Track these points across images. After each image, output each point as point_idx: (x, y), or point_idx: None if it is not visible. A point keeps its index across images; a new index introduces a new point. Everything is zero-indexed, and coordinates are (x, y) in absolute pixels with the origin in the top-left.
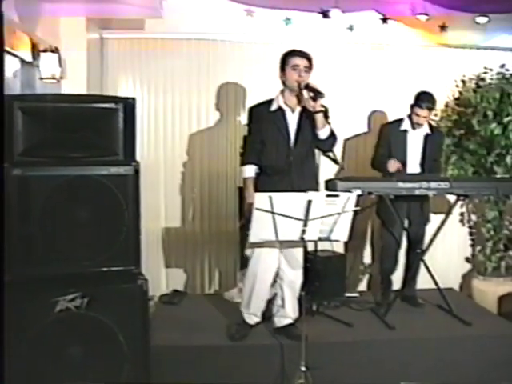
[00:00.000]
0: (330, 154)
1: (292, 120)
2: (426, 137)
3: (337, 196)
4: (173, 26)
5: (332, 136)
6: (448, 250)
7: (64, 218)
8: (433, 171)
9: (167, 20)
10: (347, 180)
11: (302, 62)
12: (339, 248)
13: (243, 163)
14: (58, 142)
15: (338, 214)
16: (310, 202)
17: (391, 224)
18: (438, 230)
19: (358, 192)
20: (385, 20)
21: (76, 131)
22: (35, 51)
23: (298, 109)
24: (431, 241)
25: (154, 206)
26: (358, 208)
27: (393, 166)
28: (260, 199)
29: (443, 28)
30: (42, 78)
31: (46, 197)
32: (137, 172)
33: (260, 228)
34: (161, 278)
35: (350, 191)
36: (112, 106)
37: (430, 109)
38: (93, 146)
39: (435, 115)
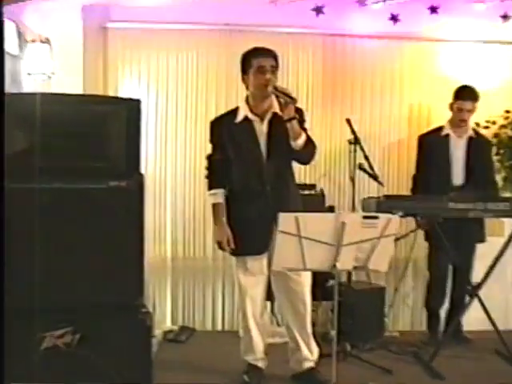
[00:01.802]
0: (366, 166)
1: (262, 131)
2: (470, 140)
3: (376, 218)
4: (188, 14)
5: (309, 145)
6: (507, 285)
7: (53, 240)
8: (486, 187)
9: (181, 7)
10: (388, 199)
11: (268, 62)
12: (378, 279)
13: (210, 187)
14: (46, 150)
15: (377, 239)
16: (344, 224)
17: (440, 251)
18: (496, 259)
19: (401, 214)
20: (434, 9)
21: (69, 137)
22: (22, 42)
23: (268, 117)
24: (488, 273)
25: (159, 226)
26: (398, 233)
27: None
28: (285, 220)
29: (505, 18)
30: (29, 74)
31: (32, 214)
32: (141, 186)
33: (284, 255)
34: (166, 311)
35: (391, 212)
36: (113, 108)
37: (473, 101)
38: (88, 155)
39: (493, 123)
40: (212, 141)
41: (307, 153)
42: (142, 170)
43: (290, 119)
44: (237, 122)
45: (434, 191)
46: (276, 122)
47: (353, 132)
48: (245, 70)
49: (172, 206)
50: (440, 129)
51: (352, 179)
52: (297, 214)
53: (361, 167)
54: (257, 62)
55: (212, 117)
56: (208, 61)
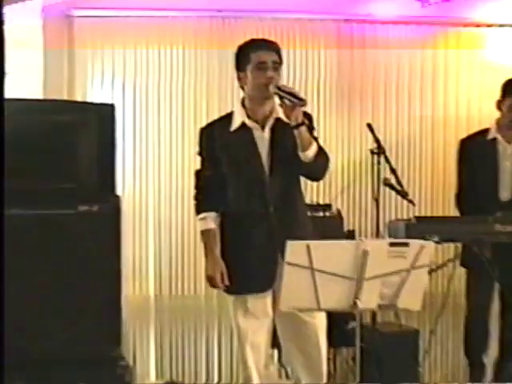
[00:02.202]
0: (393, 181)
1: (263, 141)
2: None
3: (405, 245)
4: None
5: (321, 157)
6: None
7: (11, 280)
8: None
9: None
10: (420, 221)
11: (269, 57)
12: (409, 320)
13: (199, 210)
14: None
15: (408, 270)
16: (366, 253)
17: (482, 277)
18: None
19: (436, 239)
20: None
21: (28, 153)
22: None
23: (270, 123)
24: None
25: (140, 258)
26: (432, 262)
27: None
28: (293, 250)
29: None
30: None
31: None
32: (117, 211)
33: (293, 292)
34: (150, 362)
35: (424, 238)
36: (81, 116)
37: None
38: (53, 175)
39: None
40: (201, 153)
41: (319, 166)
42: (118, 191)
43: (298, 125)
44: (232, 130)
45: (478, 209)
46: (280, 130)
47: (376, 140)
48: (241, 66)
49: (155, 233)
50: (485, 131)
51: (376, 198)
52: (308, 241)
53: (386, 183)
54: (256, 57)
55: (202, 123)
56: (197, 55)
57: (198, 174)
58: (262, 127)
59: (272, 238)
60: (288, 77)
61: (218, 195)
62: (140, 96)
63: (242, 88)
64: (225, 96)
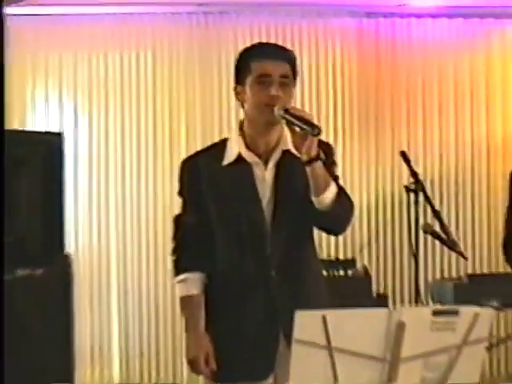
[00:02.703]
0: (437, 227)
1: (265, 180)
2: None
3: (454, 314)
4: None
5: (342, 202)
6: None
7: None
8: None
9: None
10: (473, 281)
11: (276, 68)
12: None
13: (178, 269)
14: None
15: (458, 348)
16: (402, 325)
17: None
18: None
19: (496, 304)
20: None
21: None
22: None
23: (275, 157)
24: None
25: (100, 335)
26: (492, 336)
27: None
28: (305, 322)
29: None
30: None
31: None
32: (67, 275)
33: (305, 377)
34: None
35: (480, 303)
36: (18, 149)
37: None
38: None
39: None
40: (182, 193)
41: (339, 216)
42: (69, 248)
43: (311, 161)
44: (224, 165)
45: None
46: (288, 166)
47: (412, 173)
48: (240, 77)
49: (120, 302)
50: None
51: (414, 251)
52: (325, 310)
53: (427, 230)
54: (259, 68)
55: (181, 153)
56: (172, 63)
57: (177, 220)
58: (265, 162)
59: (273, 309)
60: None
61: (203, 250)
62: (98, 118)
63: (242, 106)
64: (211, 117)
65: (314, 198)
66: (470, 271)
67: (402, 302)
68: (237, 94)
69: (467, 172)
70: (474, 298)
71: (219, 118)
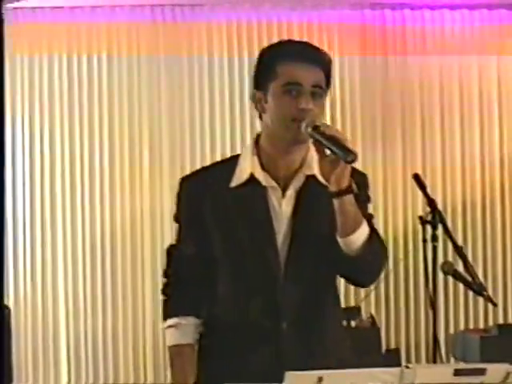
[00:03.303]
0: (460, 268)
1: (281, 210)
2: None
3: (480, 373)
4: None
5: (375, 249)
6: None
7: None
8: None
9: None
10: (504, 333)
11: (308, 75)
12: None
13: (168, 311)
14: None
15: None
16: None
17: None
18: None
19: None
20: None
21: None
22: None
23: (297, 183)
24: None
25: None
26: None
27: None
28: None
29: None
30: None
31: None
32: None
33: None
34: None
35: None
36: None
37: None
38: None
39: None
40: (179, 218)
41: (369, 264)
42: (8, 299)
43: (341, 193)
44: (233, 187)
45: None
46: (311, 195)
47: (429, 200)
48: (261, 82)
49: (71, 365)
50: None
51: (431, 296)
52: (321, 371)
53: (448, 270)
54: (287, 72)
55: (143, 170)
56: (133, 65)
57: (170, 250)
58: (284, 188)
59: (281, 367)
60: None
61: (200, 289)
62: (40, 135)
63: (260, 118)
64: (181, 128)
65: (340, 239)
66: (500, 321)
67: (418, 359)
68: (255, 101)
69: (496, 198)
70: (504, 353)
71: (191, 128)
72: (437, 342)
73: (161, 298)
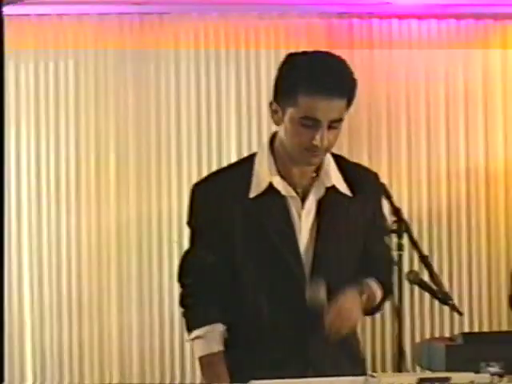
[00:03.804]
0: (426, 277)
1: (300, 221)
2: None
3: (444, 382)
4: None
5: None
6: None
7: None
8: None
9: None
10: (471, 341)
11: (330, 111)
12: None
13: (193, 322)
14: None
15: None
16: None
17: None
18: None
19: (498, 370)
20: None
21: None
22: None
23: (316, 194)
24: None
25: None
26: None
27: None
28: None
29: None
30: None
31: None
32: None
33: None
34: None
35: (477, 370)
36: None
37: None
38: None
39: None
40: (192, 223)
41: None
42: None
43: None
44: (251, 198)
45: None
46: (332, 205)
47: (394, 209)
48: (279, 98)
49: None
50: None
51: (397, 305)
52: (286, 381)
53: (413, 280)
54: (307, 106)
55: (110, 182)
56: (99, 74)
57: (186, 258)
58: (303, 198)
59: (307, 368)
60: (249, 95)
61: (223, 297)
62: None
63: (276, 124)
64: (147, 138)
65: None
66: (466, 330)
67: (384, 368)
68: (272, 111)
69: (461, 207)
70: (470, 362)
71: (157, 140)
72: (402, 351)
73: (179, 309)
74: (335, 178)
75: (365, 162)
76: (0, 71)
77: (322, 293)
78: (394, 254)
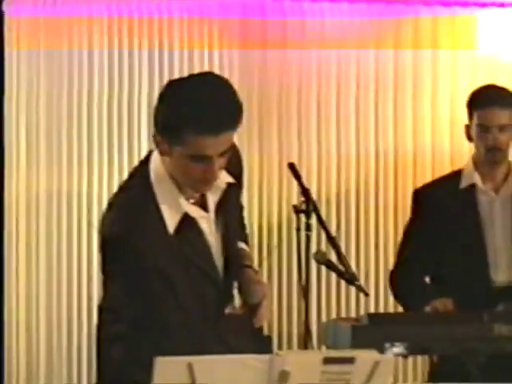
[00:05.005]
0: (333, 257)
1: (212, 230)
2: None
3: (349, 361)
4: None
5: None
6: None
7: None
8: None
9: None
10: (376, 321)
11: (218, 143)
12: None
13: None
14: None
15: None
16: (285, 375)
17: None
18: None
19: (402, 351)
20: None
21: None
22: None
23: (215, 195)
24: None
25: None
26: None
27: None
28: (167, 370)
29: None
30: None
31: None
32: None
33: None
34: None
35: (382, 349)
36: None
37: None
38: None
39: None
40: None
41: None
42: None
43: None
44: (172, 233)
45: (461, 300)
46: (229, 201)
47: (303, 190)
48: (165, 133)
49: None
50: (456, 174)
51: (304, 285)
52: (191, 357)
53: (320, 260)
54: (193, 144)
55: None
56: (21, 64)
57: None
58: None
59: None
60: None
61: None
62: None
63: (163, 155)
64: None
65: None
66: (372, 310)
67: (290, 347)
68: (156, 142)
69: (370, 190)
70: (375, 342)
71: (68, 124)
72: (308, 330)
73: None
74: (224, 175)
75: (275, 144)
76: (0, 69)
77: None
78: (303, 234)
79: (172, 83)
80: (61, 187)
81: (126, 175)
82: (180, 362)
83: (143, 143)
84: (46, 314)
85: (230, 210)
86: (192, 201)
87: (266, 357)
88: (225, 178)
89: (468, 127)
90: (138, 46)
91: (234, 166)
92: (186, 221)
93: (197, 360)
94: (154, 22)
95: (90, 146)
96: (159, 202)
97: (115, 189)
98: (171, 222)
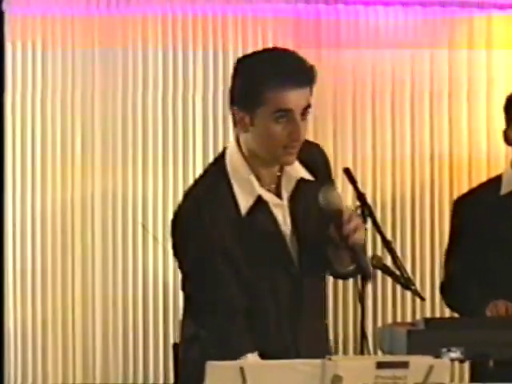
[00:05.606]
0: (389, 262)
1: (286, 221)
2: None
3: (403, 366)
4: None
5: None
6: None
7: None
8: None
9: None
10: (431, 326)
11: (299, 100)
12: None
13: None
14: None
15: None
16: (338, 380)
17: None
18: None
19: (458, 355)
20: None
21: None
22: None
23: (287, 186)
24: None
25: None
26: None
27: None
28: (218, 375)
29: None
30: None
31: None
32: None
33: None
34: None
35: (438, 355)
36: None
37: None
38: None
39: None
40: (181, 253)
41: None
42: None
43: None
44: (244, 215)
45: None
46: (303, 196)
47: (358, 194)
48: (244, 104)
49: None
50: (494, 182)
51: (360, 290)
52: (243, 361)
53: (376, 264)
54: (276, 100)
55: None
56: (76, 62)
57: (187, 300)
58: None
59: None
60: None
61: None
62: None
63: (243, 129)
64: (133, 123)
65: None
66: (428, 315)
67: (346, 352)
68: (238, 119)
69: (425, 194)
70: (432, 347)
71: (123, 122)
72: (364, 335)
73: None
74: (299, 168)
75: (330, 149)
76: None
77: (335, 196)
78: None
79: (241, 59)
80: (115, 188)
81: (180, 176)
82: (232, 367)
83: (198, 143)
84: (101, 315)
85: (306, 205)
86: (267, 188)
87: (318, 361)
88: (300, 171)
89: (506, 132)
90: (192, 47)
91: (316, 164)
92: (260, 205)
93: (248, 364)
94: (208, 23)
95: (144, 146)
96: (234, 187)
97: (170, 190)
98: (244, 204)
